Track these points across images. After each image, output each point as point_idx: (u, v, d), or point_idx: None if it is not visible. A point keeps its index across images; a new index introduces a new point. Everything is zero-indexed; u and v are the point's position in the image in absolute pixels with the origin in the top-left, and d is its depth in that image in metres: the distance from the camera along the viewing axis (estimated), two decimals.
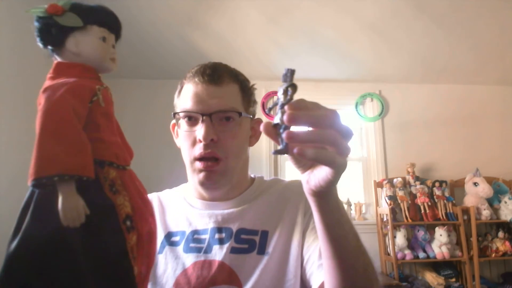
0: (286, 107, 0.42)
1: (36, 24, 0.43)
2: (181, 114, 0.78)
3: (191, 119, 0.77)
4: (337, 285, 0.56)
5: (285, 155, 0.43)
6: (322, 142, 0.42)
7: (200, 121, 0.75)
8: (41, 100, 0.39)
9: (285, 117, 0.41)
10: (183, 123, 0.79)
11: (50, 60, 0.46)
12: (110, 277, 0.38)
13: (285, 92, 0.43)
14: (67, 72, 0.43)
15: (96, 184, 0.39)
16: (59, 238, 0.36)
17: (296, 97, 0.43)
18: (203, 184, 0.78)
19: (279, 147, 0.43)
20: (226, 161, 0.76)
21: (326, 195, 0.49)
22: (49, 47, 0.44)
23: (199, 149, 0.75)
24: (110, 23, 0.45)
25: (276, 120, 0.43)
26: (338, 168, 0.43)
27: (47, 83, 0.42)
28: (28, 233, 0.36)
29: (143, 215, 0.43)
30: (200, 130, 0.74)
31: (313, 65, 3.13)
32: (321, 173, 0.46)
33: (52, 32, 0.42)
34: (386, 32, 2.82)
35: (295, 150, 0.40)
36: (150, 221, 0.45)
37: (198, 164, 0.76)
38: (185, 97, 0.79)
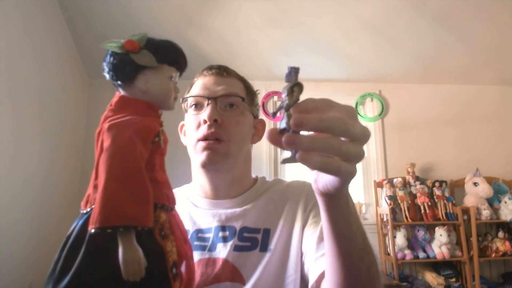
0: (292, 110, 0.37)
1: (110, 59, 0.41)
2: (189, 99, 0.83)
3: (197, 106, 0.82)
4: (339, 284, 0.55)
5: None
6: (325, 151, 0.37)
7: (205, 105, 0.80)
8: (105, 137, 0.37)
9: (291, 121, 0.36)
10: (190, 111, 0.83)
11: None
12: None
13: (290, 92, 0.38)
14: (131, 108, 0.41)
15: (148, 229, 0.38)
16: (113, 286, 0.34)
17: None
18: (204, 164, 0.79)
19: (284, 154, 0.40)
20: (229, 143, 0.78)
21: (335, 196, 0.46)
22: (119, 82, 0.42)
23: (203, 130, 0.78)
24: (180, 62, 0.45)
25: (283, 124, 0.38)
26: (345, 176, 0.40)
27: (109, 115, 0.40)
28: (80, 277, 0.34)
29: (187, 261, 0.42)
30: (205, 112, 0.78)
31: (313, 65, 3.12)
32: (329, 177, 0.43)
33: (126, 69, 0.41)
34: (386, 32, 2.82)
35: (297, 156, 0.37)
36: (191, 266, 0.43)
37: (201, 143, 0.78)
38: (194, 89, 0.85)
